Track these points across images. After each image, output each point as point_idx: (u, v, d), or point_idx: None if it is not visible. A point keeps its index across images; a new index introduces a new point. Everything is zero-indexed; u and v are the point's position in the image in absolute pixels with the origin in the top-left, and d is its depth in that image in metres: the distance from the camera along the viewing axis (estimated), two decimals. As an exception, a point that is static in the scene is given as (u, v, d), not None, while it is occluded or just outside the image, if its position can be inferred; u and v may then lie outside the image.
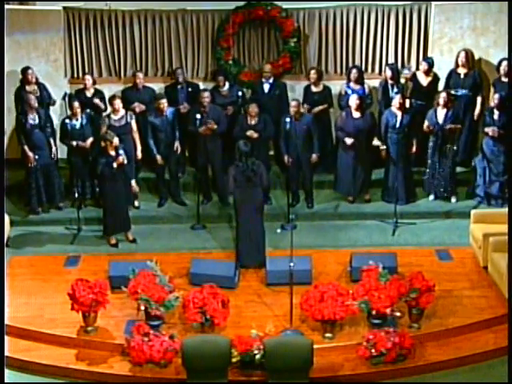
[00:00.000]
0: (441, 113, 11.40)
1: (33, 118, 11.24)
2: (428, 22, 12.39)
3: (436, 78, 12.08)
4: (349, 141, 11.36)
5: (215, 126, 11.37)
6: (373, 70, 12.59)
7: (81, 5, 12.36)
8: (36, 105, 11.27)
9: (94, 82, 12.03)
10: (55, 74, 12.36)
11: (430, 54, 12.35)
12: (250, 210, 10.10)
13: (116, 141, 10.46)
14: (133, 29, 12.45)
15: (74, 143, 11.33)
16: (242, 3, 12.29)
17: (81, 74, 12.46)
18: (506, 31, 11.96)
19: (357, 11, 12.39)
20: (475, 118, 12.01)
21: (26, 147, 11.21)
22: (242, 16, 12.34)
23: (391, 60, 12.46)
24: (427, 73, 11.99)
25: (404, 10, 12.39)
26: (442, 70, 12.13)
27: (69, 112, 11.29)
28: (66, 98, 11.34)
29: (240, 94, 12.12)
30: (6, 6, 11.28)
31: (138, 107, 11.90)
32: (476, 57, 12.25)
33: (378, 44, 12.54)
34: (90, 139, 11.42)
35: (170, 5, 12.35)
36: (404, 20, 12.41)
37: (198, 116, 11.31)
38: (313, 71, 12.05)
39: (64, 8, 12.32)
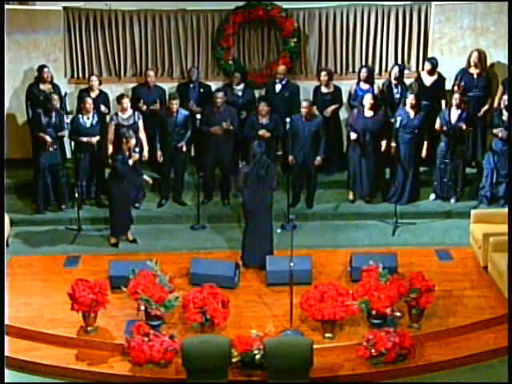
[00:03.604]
0: (454, 113, 11.34)
1: (49, 117, 11.24)
2: (428, 22, 12.40)
3: (441, 78, 12.02)
4: (353, 135, 11.37)
5: (231, 127, 11.38)
6: (373, 69, 12.58)
7: (81, 5, 12.36)
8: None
9: (100, 83, 11.98)
10: (55, 74, 12.31)
11: (430, 54, 12.35)
12: (258, 210, 10.05)
13: (133, 142, 10.58)
14: (133, 29, 12.45)
15: (85, 139, 11.30)
16: (241, 3, 12.29)
17: (82, 74, 12.49)
18: (506, 31, 11.97)
19: (357, 11, 12.40)
20: (482, 114, 11.88)
21: (43, 135, 11.16)
22: (241, 16, 12.34)
23: (391, 60, 12.47)
24: (431, 73, 11.94)
25: (404, 10, 12.40)
26: (442, 69, 12.10)
27: (70, 108, 11.27)
28: (67, 97, 11.34)
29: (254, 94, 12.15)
30: (6, 6, 11.26)
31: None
32: (476, 57, 12.27)
33: (378, 44, 12.55)
34: (97, 137, 11.41)
35: (170, 5, 12.35)
36: (404, 20, 12.41)
37: (199, 116, 11.33)
38: (323, 73, 12.00)
39: (64, 8, 12.32)
